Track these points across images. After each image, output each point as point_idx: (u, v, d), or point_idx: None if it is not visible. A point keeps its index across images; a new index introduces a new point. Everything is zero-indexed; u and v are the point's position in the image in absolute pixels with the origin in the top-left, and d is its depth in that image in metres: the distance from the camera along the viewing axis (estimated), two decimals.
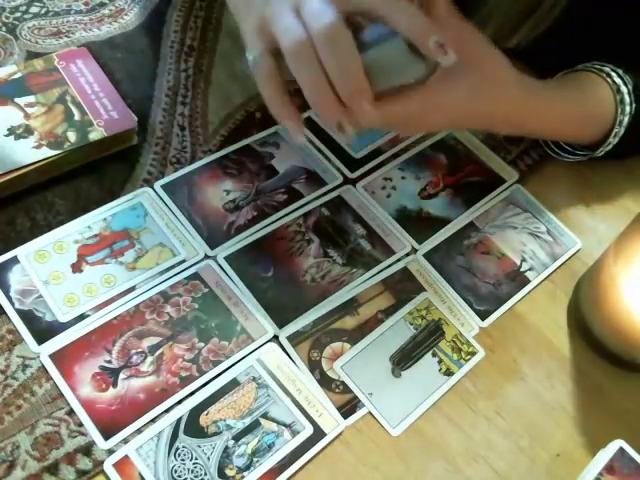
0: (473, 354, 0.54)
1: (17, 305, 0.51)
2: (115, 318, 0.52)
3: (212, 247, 0.56)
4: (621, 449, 0.49)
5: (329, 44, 0.44)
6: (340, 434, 0.49)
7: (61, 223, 0.56)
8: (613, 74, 0.59)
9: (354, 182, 0.63)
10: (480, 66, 0.50)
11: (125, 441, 0.47)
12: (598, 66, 0.60)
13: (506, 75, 0.52)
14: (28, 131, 0.58)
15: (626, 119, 0.59)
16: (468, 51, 0.48)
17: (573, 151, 0.64)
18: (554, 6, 0.60)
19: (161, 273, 0.54)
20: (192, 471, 0.46)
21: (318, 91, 0.45)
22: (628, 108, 0.59)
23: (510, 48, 0.64)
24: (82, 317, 0.51)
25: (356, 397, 0.51)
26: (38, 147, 0.57)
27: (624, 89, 0.59)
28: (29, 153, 0.56)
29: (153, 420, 0.48)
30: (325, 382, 0.51)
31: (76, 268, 0.53)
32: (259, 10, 0.48)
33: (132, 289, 0.53)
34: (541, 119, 0.58)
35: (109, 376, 0.49)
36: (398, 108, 0.48)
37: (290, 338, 0.53)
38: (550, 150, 0.66)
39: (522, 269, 0.60)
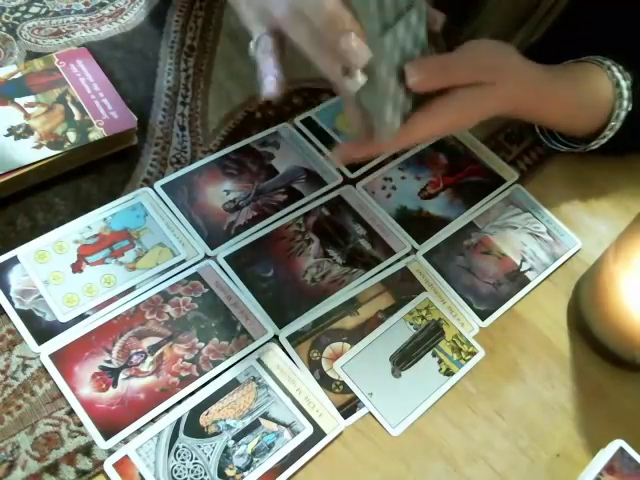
0: (473, 354, 0.54)
1: (17, 305, 0.51)
2: (115, 318, 0.52)
3: (212, 247, 0.56)
4: (621, 449, 0.49)
5: None
6: (340, 434, 0.49)
7: (61, 223, 0.56)
8: (614, 68, 0.59)
9: (354, 182, 0.63)
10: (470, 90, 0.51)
11: (125, 441, 0.47)
12: (600, 59, 0.60)
13: (504, 80, 0.52)
14: (28, 131, 0.58)
15: (623, 114, 0.59)
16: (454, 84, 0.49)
17: (566, 142, 0.64)
18: (550, 11, 0.61)
19: (161, 273, 0.54)
20: (192, 471, 0.46)
21: (311, 43, 0.46)
22: (625, 103, 0.59)
23: None
24: (82, 317, 0.51)
25: (356, 397, 0.51)
26: (38, 147, 0.57)
27: (623, 84, 0.59)
28: (29, 153, 0.56)
29: (153, 420, 0.48)
30: (325, 382, 0.51)
31: (76, 268, 0.53)
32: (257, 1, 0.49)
33: (132, 289, 0.53)
34: (537, 106, 0.58)
35: (109, 376, 0.49)
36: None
37: (290, 338, 0.53)
38: (544, 137, 0.66)
39: (522, 269, 0.60)
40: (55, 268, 0.53)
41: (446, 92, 0.49)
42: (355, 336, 0.54)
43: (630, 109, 0.59)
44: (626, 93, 0.59)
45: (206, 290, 0.54)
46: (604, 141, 0.61)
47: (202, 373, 0.50)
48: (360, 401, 0.51)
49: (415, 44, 0.47)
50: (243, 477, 0.46)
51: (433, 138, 0.51)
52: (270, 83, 0.49)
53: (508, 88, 0.53)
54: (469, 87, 0.50)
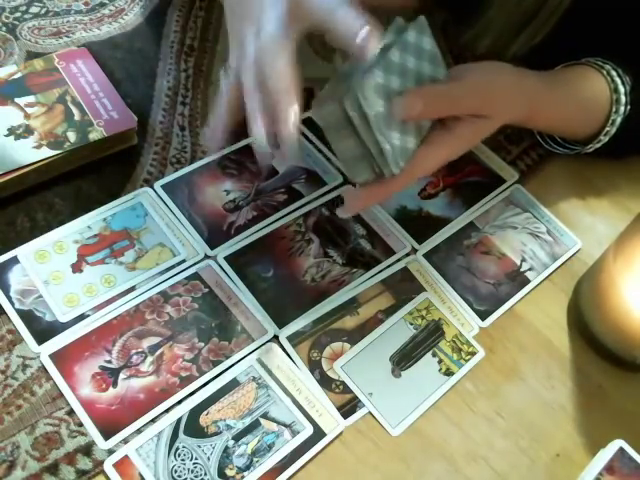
0: (473, 354, 0.54)
1: (17, 305, 0.51)
2: (115, 318, 0.52)
3: (212, 247, 0.56)
4: (621, 449, 0.49)
5: (264, 64, 0.46)
6: (340, 434, 0.49)
7: (61, 223, 0.56)
8: (613, 72, 0.59)
9: (354, 182, 0.62)
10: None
11: (125, 441, 0.47)
12: (600, 62, 0.60)
13: (501, 102, 0.52)
14: (28, 131, 0.58)
15: (619, 119, 0.59)
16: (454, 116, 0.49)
17: (563, 143, 0.64)
18: (552, 15, 0.60)
19: (161, 273, 0.54)
20: (192, 471, 0.46)
21: (250, 111, 0.48)
22: (622, 109, 0.59)
23: (507, 58, 0.63)
24: (82, 317, 0.51)
25: (356, 397, 0.51)
26: (38, 147, 0.57)
27: (621, 89, 0.59)
28: (29, 153, 0.56)
29: (153, 420, 0.48)
30: (325, 382, 0.51)
31: (76, 268, 0.53)
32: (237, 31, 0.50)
33: (132, 289, 0.53)
34: (531, 117, 0.58)
35: (109, 376, 0.49)
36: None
37: (290, 338, 0.53)
38: (542, 139, 0.66)
39: (522, 269, 0.60)
40: (55, 268, 0.53)
41: (441, 124, 0.49)
42: (355, 336, 0.54)
43: (627, 114, 0.59)
44: (623, 99, 0.59)
45: (206, 290, 0.54)
46: (599, 145, 0.61)
47: (202, 373, 0.50)
48: (360, 401, 0.51)
49: (420, 58, 0.47)
50: (243, 477, 0.46)
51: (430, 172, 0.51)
52: (209, 143, 0.51)
53: (502, 117, 0.52)
54: (464, 123, 0.49)
